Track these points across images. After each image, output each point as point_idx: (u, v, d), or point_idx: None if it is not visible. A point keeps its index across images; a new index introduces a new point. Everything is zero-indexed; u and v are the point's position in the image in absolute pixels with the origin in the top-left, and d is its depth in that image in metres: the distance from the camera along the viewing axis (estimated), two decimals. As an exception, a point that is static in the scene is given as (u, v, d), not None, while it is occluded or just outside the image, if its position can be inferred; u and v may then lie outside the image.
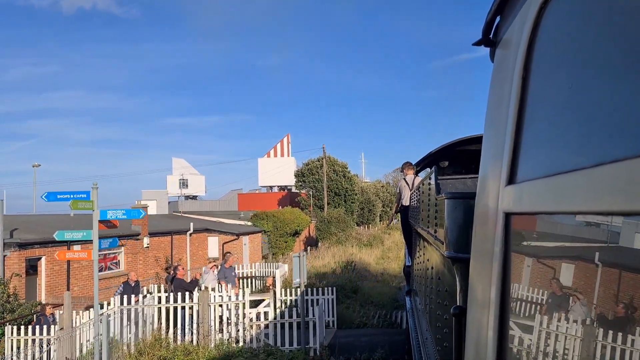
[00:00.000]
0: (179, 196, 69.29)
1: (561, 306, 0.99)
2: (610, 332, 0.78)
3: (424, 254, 5.56)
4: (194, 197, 70.54)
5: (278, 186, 61.06)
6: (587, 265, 0.87)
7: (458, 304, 2.39)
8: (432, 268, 4.39)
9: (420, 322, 5.84)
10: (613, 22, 0.81)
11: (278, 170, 57.81)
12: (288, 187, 57.11)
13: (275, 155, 62.73)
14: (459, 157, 9.41)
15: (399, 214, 10.62)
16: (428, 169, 9.23)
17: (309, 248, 34.78)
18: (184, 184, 69.05)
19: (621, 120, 0.73)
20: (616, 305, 0.77)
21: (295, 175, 48.84)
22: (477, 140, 6.88)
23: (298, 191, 49.85)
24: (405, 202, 9.74)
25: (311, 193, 46.43)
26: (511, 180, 1.21)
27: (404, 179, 10.03)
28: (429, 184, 4.16)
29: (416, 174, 10.08)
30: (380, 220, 62.31)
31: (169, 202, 66.72)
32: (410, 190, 9.38)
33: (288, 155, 62.08)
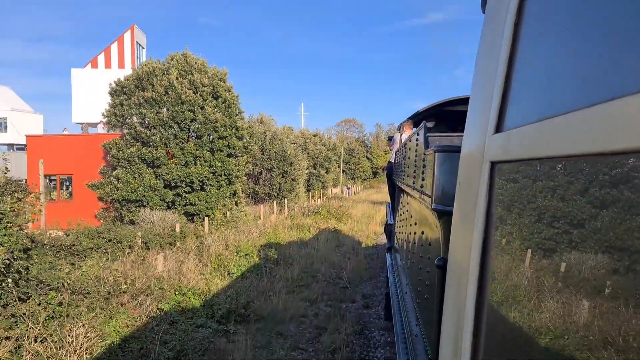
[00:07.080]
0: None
1: (547, 258, 0.97)
2: (597, 290, 0.75)
3: (407, 210, 5.61)
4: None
5: (105, 123, 24.01)
6: (578, 214, 0.85)
7: (442, 256, 2.41)
8: (415, 224, 4.43)
9: (400, 277, 5.98)
10: None
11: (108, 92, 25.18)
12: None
13: (109, 66, 31.08)
14: (446, 118, 9.35)
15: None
16: (414, 128, 9.19)
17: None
18: (1, 125, 42.38)
19: (617, 59, 0.69)
20: (609, 255, 0.74)
21: (110, 94, 20.65)
22: (465, 101, 6.85)
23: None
24: (393, 158, 9.63)
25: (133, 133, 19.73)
26: (499, 128, 1.17)
27: (401, 134, 9.57)
28: (417, 140, 4.14)
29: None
30: (308, 191, 35.03)
31: (-22, 154, 40.76)
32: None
33: (133, 66, 29.02)
